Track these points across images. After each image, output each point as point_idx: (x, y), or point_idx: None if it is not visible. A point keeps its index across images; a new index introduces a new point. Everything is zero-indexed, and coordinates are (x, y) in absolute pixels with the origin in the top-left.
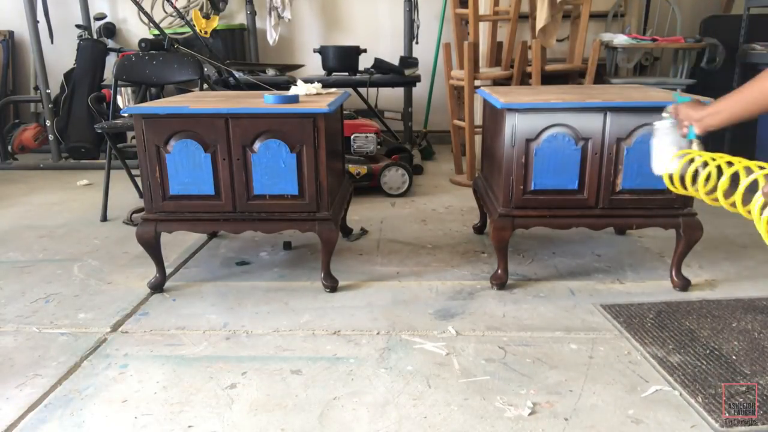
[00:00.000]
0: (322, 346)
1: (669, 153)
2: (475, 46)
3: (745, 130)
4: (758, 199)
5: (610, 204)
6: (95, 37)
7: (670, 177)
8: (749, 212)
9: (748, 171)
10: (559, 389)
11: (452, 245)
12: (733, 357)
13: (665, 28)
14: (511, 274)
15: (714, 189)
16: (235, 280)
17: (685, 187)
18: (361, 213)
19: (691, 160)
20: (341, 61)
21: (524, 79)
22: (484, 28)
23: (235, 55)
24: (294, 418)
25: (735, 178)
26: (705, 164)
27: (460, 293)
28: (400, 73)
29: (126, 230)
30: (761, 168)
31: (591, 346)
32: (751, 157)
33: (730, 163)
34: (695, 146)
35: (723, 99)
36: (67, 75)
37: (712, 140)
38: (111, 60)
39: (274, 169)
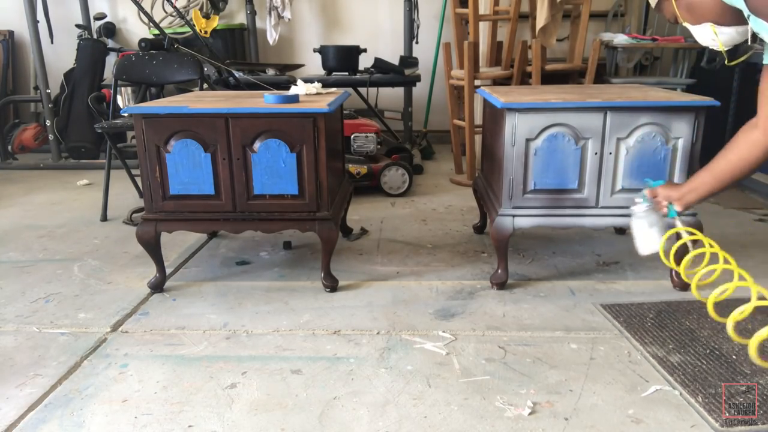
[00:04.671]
0: (322, 345)
1: (652, 234)
2: (475, 45)
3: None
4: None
5: (610, 203)
6: (95, 36)
7: (665, 254)
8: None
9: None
10: (559, 389)
11: (452, 245)
12: (733, 357)
13: (665, 28)
14: (511, 274)
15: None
16: (235, 279)
17: (676, 263)
18: (361, 213)
19: (679, 237)
20: (341, 60)
21: (524, 79)
22: (484, 27)
23: (235, 55)
24: (294, 418)
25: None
26: (696, 243)
27: (460, 293)
28: (400, 73)
29: (126, 230)
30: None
31: (591, 345)
32: None
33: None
34: (678, 222)
35: (698, 176)
36: (67, 75)
37: (710, 143)
38: (111, 60)
39: (274, 169)
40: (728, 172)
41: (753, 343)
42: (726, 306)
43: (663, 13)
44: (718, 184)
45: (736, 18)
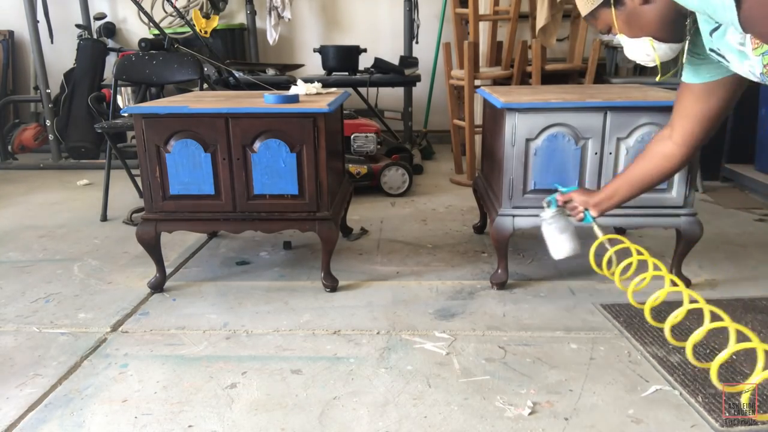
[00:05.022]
0: (322, 345)
1: (564, 239)
2: (475, 45)
3: (745, 131)
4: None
5: None
6: (95, 36)
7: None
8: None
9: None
10: (559, 389)
11: (452, 245)
12: (733, 357)
13: None
14: (511, 274)
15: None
16: (235, 279)
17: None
18: (361, 213)
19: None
20: (341, 60)
21: (524, 79)
22: (484, 27)
23: (235, 55)
24: (294, 418)
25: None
26: (612, 243)
27: (460, 293)
28: (400, 73)
29: (126, 230)
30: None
31: (591, 345)
32: (751, 160)
33: (656, 267)
34: (596, 227)
35: (613, 183)
36: (67, 75)
37: (711, 143)
38: (111, 60)
39: (274, 169)
40: (645, 182)
41: (713, 368)
42: (661, 311)
43: (595, 23)
44: (633, 193)
45: (673, 35)
